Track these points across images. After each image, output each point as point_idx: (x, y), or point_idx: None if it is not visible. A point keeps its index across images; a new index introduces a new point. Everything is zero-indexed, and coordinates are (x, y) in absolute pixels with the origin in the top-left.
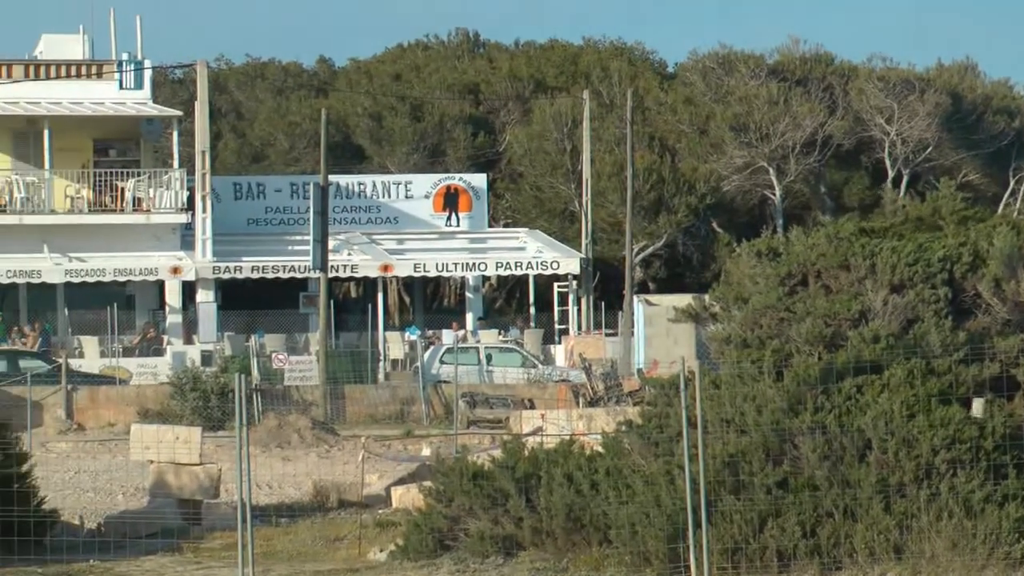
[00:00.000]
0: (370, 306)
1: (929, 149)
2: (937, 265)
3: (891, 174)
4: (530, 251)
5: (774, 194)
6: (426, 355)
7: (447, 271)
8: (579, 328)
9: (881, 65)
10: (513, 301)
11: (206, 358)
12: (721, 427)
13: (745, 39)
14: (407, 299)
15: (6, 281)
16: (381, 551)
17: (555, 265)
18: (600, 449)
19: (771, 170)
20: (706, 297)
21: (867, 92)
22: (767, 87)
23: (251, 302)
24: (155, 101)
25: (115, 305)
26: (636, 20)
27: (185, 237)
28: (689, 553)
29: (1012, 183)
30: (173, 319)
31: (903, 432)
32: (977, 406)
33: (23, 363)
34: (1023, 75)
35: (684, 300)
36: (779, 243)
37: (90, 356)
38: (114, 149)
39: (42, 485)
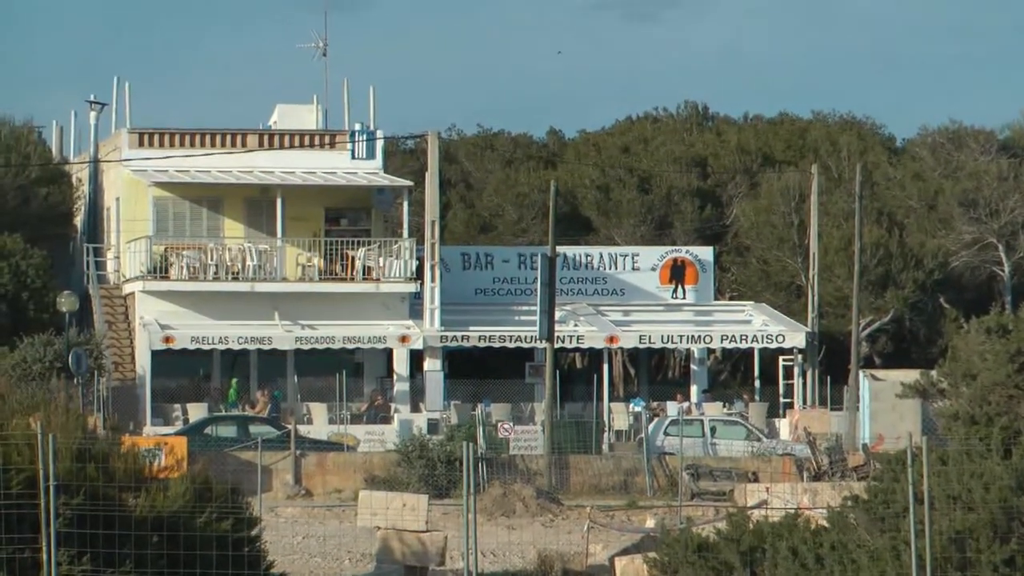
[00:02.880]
0: (595, 377)
1: None
2: None
3: None
4: (756, 324)
5: (1003, 270)
6: (651, 426)
7: (672, 343)
8: (804, 402)
9: None
10: (738, 374)
11: (433, 426)
12: (948, 504)
13: (975, 114)
14: (632, 370)
15: (237, 347)
16: None
17: (780, 339)
18: (825, 523)
19: (1000, 246)
20: (933, 373)
21: None
22: (997, 163)
23: (477, 371)
24: (386, 171)
25: (344, 372)
26: (865, 94)
27: (413, 306)
28: None
29: None
30: (401, 387)
31: None
32: None
33: (253, 429)
34: None
35: (911, 376)
36: (1008, 320)
37: (318, 422)
38: (345, 218)
39: (271, 549)
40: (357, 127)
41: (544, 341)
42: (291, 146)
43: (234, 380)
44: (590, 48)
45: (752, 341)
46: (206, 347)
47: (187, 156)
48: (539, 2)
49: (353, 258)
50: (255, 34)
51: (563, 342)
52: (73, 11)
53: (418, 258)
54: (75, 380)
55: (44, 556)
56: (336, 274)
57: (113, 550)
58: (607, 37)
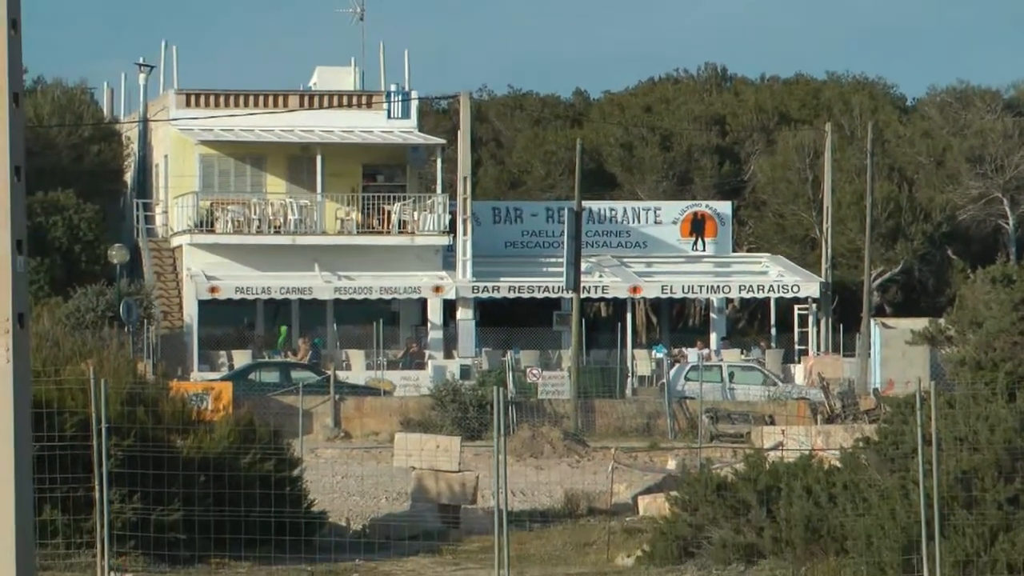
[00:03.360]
0: (619, 325)
1: None
2: None
3: None
4: (772, 275)
5: (1007, 223)
6: (672, 372)
7: (692, 293)
8: (818, 349)
9: None
10: (755, 322)
11: (465, 372)
12: (954, 445)
13: (982, 75)
14: (654, 319)
15: (280, 297)
16: (628, 557)
17: (795, 289)
18: (838, 464)
19: (1005, 201)
20: (941, 321)
21: None
22: (1003, 121)
23: (507, 320)
24: (420, 130)
25: (380, 321)
26: (877, 55)
27: (447, 258)
28: (923, 565)
29: None
30: (434, 335)
31: None
32: None
33: (295, 374)
34: None
35: (920, 323)
36: (1013, 270)
37: (356, 368)
38: (381, 175)
39: (311, 489)
40: (393, 88)
41: (571, 291)
42: (330, 106)
43: (283, 327)
44: (612, 13)
45: (768, 291)
46: (250, 297)
47: (231, 116)
48: None
49: (389, 212)
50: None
51: (589, 292)
52: None
53: (451, 212)
54: (126, 328)
55: (97, 495)
56: (373, 228)
57: (162, 489)
58: (628, 3)
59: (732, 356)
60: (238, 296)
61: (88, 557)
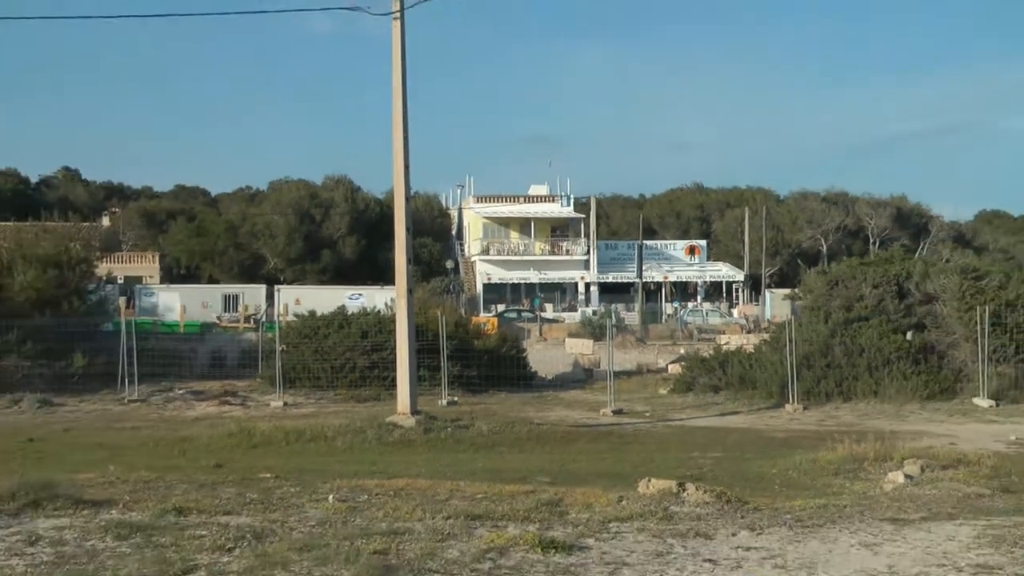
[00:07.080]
0: (659, 293)
1: (887, 231)
2: (892, 277)
3: (872, 240)
4: (724, 271)
5: (824, 248)
6: (681, 312)
7: (690, 279)
8: (742, 302)
9: (869, 196)
10: (716, 291)
11: (594, 313)
12: (801, 342)
13: (814, 183)
14: (674, 290)
15: (515, 282)
16: (664, 390)
17: (733, 277)
18: (752, 350)
19: (822, 239)
20: (796, 290)
21: (862, 208)
22: (822, 205)
23: (612, 291)
24: (575, 211)
25: (558, 292)
26: (770, 175)
27: (586, 264)
28: (788, 393)
29: (924, 244)
30: (582, 297)
31: (878, 345)
32: (909, 336)
33: (523, 314)
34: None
35: (787, 291)
36: (827, 268)
37: (549, 311)
38: (558, 230)
39: (531, 361)
40: (563, 193)
41: (638, 279)
42: (535, 201)
43: (536, 299)
44: (655, 157)
45: (722, 277)
46: (505, 282)
47: (497, 205)
48: (624, 143)
49: (562, 246)
50: (524, 161)
51: (646, 279)
52: (443, 144)
53: (587, 246)
54: (453, 295)
55: (442, 364)
56: (555, 253)
57: (469, 362)
58: (664, 158)
59: (707, 306)
60: (500, 282)
61: (437, 391)
